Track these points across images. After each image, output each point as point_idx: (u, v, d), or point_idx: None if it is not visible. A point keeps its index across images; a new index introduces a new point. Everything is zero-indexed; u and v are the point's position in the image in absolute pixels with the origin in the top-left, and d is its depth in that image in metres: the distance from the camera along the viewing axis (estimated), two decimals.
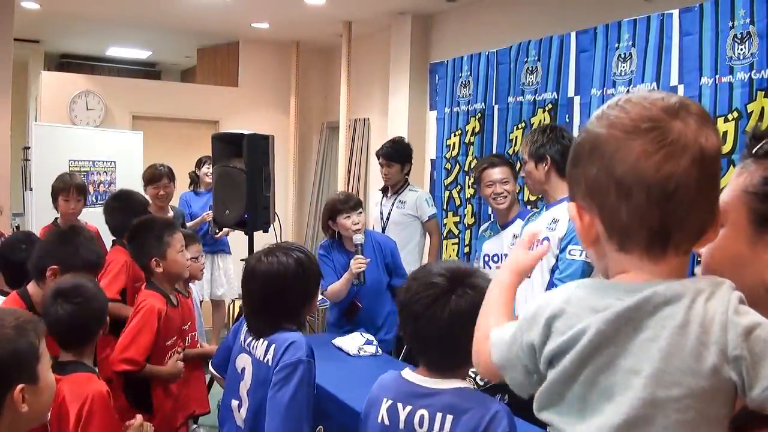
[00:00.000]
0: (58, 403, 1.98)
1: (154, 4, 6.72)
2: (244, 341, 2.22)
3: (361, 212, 3.80)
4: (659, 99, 0.94)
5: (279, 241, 3.92)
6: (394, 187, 4.90)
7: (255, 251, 3.85)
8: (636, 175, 0.90)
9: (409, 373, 1.73)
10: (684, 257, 0.95)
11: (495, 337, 1.09)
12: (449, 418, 1.60)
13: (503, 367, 1.06)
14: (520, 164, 3.51)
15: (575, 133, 3.66)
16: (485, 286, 1.61)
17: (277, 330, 2.13)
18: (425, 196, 4.91)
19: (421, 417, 1.63)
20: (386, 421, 1.69)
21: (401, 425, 1.66)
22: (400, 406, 1.68)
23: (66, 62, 9.80)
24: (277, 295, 2.15)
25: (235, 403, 2.21)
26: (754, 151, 1.00)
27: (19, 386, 1.40)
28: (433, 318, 1.63)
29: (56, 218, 4.33)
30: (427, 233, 4.94)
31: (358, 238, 3.69)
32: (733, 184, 1.01)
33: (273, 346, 2.09)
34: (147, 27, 7.92)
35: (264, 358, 2.10)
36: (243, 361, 2.21)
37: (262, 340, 2.13)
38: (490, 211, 5.00)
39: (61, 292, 2.22)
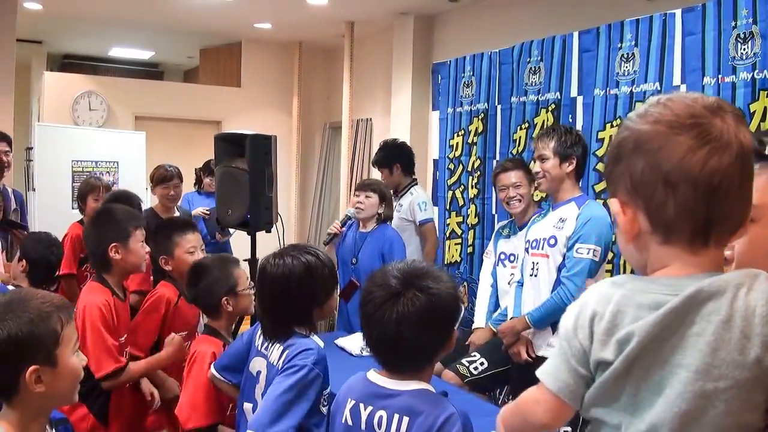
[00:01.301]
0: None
1: (156, 5, 6.73)
2: (261, 345, 2.21)
3: (369, 196, 4.04)
4: (699, 97, 0.98)
5: (282, 241, 3.93)
6: (396, 190, 4.82)
7: (256, 251, 3.92)
8: (683, 170, 0.93)
9: (373, 374, 1.72)
10: (722, 249, 0.99)
11: (542, 371, 1.09)
12: (405, 419, 1.60)
13: (562, 389, 1.05)
14: (533, 161, 3.50)
15: None
16: (436, 289, 1.61)
17: (290, 334, 2.12)
18: (419, 200, 4.73)
19: (380, 418, 1.63)
20: (349, 422, 1.69)
21: (363, 426, 1.66)
22: (362, 406, 1.68)
23: (68, 63, 9.81)
24: (283, 297, 2.12)
25: (248, 405, 2.20)
26: None
27: (33, 367, 1.45)
28: (382, 319, 1.62)
29: (81, 219, 4.44)
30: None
31: (349, 211, 4.11)
32: (757, 183, 1.04)
33: (287, 351, 2.07)
34: (149, 27, 7.93)
35: (277, 363, 2.09)
36: (258, 365, 2.20)
37: (278, 345, 2.11)
38: (493, 211, 5.00)
39: (194, 268, 2.77)
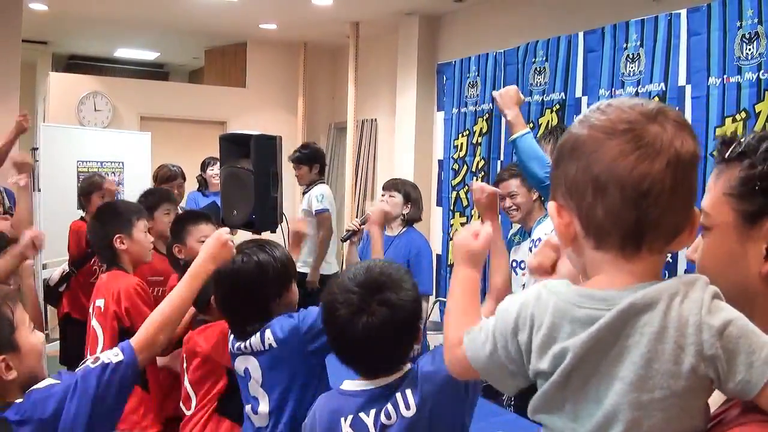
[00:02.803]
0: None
1: (162, 6, 6.75)
2: (236, 348, 2.14)
3: (392, 196, 4.05)
4: (638, 104, 0.97)
5: (286, 241, 3.93)
6: (307, 187, 5.20)
7: None
8: (612, 174, 0.93)
9: (351, 384, 1.69)
10: (658, 256, 0.97)
11: (469, 341, 1.11)
12: (408, 392, 1.60)
13: (484, 370, 1.08)
14: None
15: None
16: (397, 299, 1.60)
17: (256, 329, 2.08)
18: (317, 192, 5.09)
19: (387, 411, 1.61)
20: None
21: (372, 429, 1.63)
22: (363, 416, 1.64)
23: (74, 63, 9.83)
24: (233, 297, 2.12)
25: (248, 407, 2.14)
26: (726, 156, 1.04)
27: (0, 357, 1.52)
28: (347, 335, 1.62)
29: (82, 216, 4.43)
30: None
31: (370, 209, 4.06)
32: (713, 190, 1.05)
33: (267, 330, 2.03)
34: (155, 28, 7.95)
35: (266, 344, 2.03)
36: (242, 363, 2.13)
37: (252, 337, 2.06)
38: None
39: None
